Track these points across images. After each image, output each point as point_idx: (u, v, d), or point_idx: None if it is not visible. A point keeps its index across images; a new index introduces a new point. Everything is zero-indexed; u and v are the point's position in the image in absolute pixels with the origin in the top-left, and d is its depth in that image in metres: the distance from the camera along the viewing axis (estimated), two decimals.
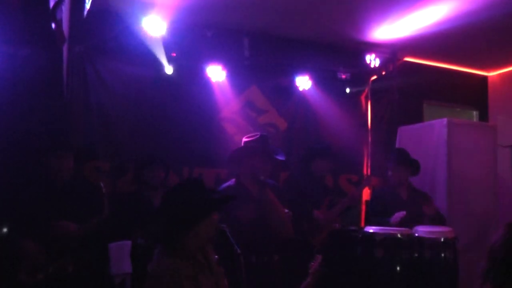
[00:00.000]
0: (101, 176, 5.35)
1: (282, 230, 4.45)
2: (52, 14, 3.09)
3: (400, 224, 4.92)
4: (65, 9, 3.52)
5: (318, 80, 6.64)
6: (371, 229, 4.69)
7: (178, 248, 2.84)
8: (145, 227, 4.47)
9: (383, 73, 7.05)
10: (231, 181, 4.74)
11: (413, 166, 5.52)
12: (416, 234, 4.72)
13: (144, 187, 4.91)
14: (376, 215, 5.36)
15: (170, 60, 5.75)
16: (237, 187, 4.61)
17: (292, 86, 6.57)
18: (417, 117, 7.38)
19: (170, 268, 2.76)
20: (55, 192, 4.26)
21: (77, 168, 4.71)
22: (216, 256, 3.05)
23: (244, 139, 4.82)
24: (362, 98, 7.10)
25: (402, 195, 5.47)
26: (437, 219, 5.28)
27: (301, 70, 6.48)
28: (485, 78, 8.22)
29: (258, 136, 4.77)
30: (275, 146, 5.12)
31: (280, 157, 4.76)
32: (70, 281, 4.08)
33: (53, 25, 3.26)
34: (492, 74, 8.14)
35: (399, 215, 5.04)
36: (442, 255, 4.63)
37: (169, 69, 5.77)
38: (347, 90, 6.89)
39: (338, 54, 6.80)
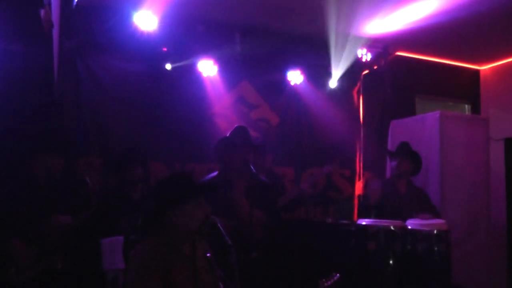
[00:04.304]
0: (93, 172, 5.33)
1: (250, 232, 4.26)
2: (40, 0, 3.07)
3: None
4: (54, 1, 3.50)
5: (310, 75, 6.64)
6: (363, 222, 4.69)
7: (160, 234, 2.90)
8: (128, 219, 4.48)
9: (375, 67, 7.06)
10: (214, 173, 4.71)
11: (417, 161, 5.49)
12: (409, 227, 4.73)
13: (124, 183, 4.88)
14: (369, 208, 5.34)
15: (161, 55, 5.74)
16: (219, 180, 4.57)
17: (283, 81, 6.56)
18: (409, 112, 7.37)
19: (141, 252, 2.82)
20: (41, 189, 4.22)
21: (68, 164, 4.67)
22: (209, 254, 3.02)
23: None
24: (354, 92, 7.10)
25: (401, 189, 5.45)
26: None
27: (293, 64, 6.49)
28: (477, 71, 8.23)
29: (234, 128, 4.73)
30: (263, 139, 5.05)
31: (257, 142, 4.71)
32: (60, 277, 4.05)
33: (41, 12, 3.23)
34: (484, 67, 8.15)
35: (375, 185, 5.03)
36: (435, 247, 4.65)
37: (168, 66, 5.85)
38: (339, 85, 6.86)
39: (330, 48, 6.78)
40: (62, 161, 4.35)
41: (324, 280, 3.30)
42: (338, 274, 3.37)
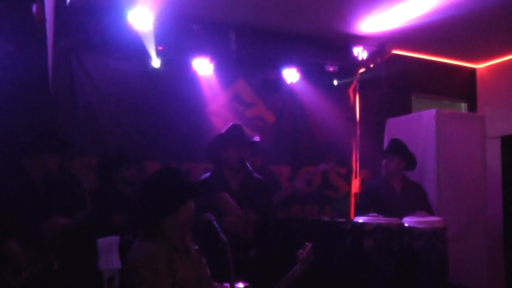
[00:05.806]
0: (88, 172, 5.31)
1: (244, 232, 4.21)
2: None
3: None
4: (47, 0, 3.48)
5: (306, 73, 6.62)
6: (360, 220, 4.68)
7: (157, 235, 2.87)
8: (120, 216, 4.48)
9: (371, 65, 7.04)
10: (207, 174, 4.70)
11: (407, 157, 5.49)
12: (406, 224, 4.72)
13: (117, 181, 4.87)
14: (365, 207, 5.33)
15: (156, 53, 5.71)
16: (213, 179, 4.56)
17: (279, 79, 6.54)
18: (406, 110, 7.36)
19: (146, 255, 2.77)
20: (38, 189, 4.19)
21: (63, 164, 4.66)
22: (196, 247, 3.02)
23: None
24: (350, 90, 7.10)
25: (396, 187, 5.45)
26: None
27: (289, 63, 6.45)
28: (473, 70, 8.23)
29: (229, 126, 4.72)
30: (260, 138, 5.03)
31: (255, 139, 4.71)
32: (56, 278, 4.03)
33: (33, 7, 3.21)
34: (480, 66, 8.15)
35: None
36: (432, 245, 4.64)
37: (156, 62, 5.74)
38: (335, 82, 6.84)
39: (326, 47, 6.75)
40: (59, 161, 4.33)
41: (300, 251, 3.76)
42: (310, 243, 3.82)
